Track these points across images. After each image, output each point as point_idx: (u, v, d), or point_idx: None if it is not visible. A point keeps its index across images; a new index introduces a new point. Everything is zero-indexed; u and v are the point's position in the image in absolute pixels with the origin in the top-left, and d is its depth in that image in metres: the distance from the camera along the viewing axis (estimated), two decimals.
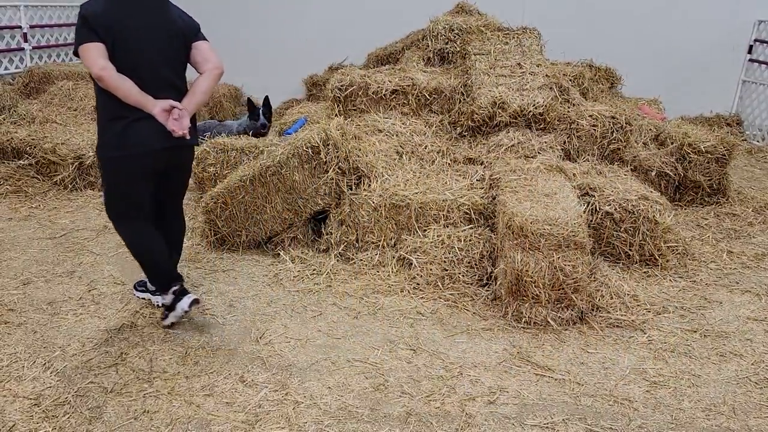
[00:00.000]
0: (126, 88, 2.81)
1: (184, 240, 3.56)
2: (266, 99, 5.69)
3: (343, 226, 4.07)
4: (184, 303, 3.09)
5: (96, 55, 2.75)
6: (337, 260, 3.98)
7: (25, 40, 8.06)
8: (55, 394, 2.66)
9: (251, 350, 3.05)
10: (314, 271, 3.86)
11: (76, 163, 5.08)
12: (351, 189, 4.07)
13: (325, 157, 3.96)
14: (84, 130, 5.60)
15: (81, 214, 4.71)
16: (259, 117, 5.51)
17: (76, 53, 2.84)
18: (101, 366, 2.87)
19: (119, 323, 3.24)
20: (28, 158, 5.17)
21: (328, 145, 3.96)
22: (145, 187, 3.05)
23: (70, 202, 4.92)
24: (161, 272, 3.14)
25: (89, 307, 3.40)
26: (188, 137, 2.94)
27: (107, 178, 3.03)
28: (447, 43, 5.81)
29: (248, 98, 5.91)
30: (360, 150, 4.21)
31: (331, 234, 4.09)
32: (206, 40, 3.07)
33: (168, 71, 2.97)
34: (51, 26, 8.43)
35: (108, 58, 2.79)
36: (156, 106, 2.85)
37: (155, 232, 3.14)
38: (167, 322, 3.16)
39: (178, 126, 2.88)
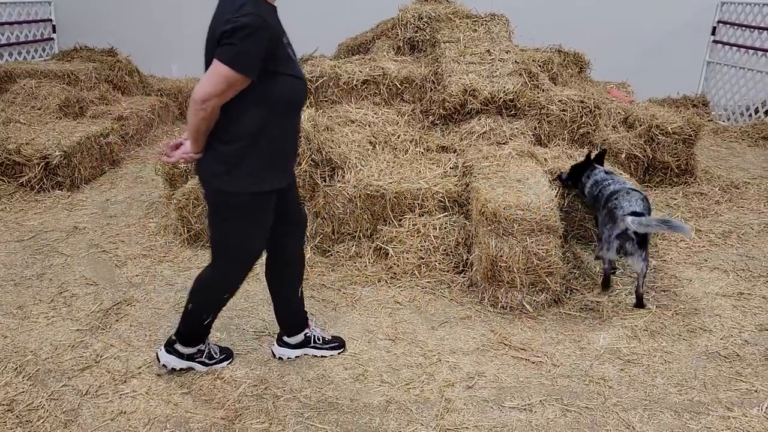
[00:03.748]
0: None
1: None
2: None
3: (319, 219, 4.05)
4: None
5: None
6: (314, 253, 3.97)
7: None
8: (29, 399, 2.61)
9: (229, 347, 3.02)
10: None
11: (42, 164, 4.95)
12: (325, 181, 4.05)
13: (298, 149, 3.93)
14: (49, 129, 5.47)
15: (49, 216, 4.61)
16: None
17: None
18: (75, 369, 2.82)
19: (92, 325, 3.19)
20: None
21: (299, 137, 3.93)
22: None
23: (38, 203, 4.81)
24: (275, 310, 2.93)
25: (61, 309, 3.34)
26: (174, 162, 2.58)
27: None
28: (416, 32, 5.80)
29: None
30: (333, 141, 4.19)
31: (307, 227, 4.07)
32: (220, 56, 2.19)
33: None
34: (11, 23, 8.21)
35: None
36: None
37: (270, 271, 2.88)
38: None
39: (170, 155, 2.48)
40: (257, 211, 2.49)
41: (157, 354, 2.83)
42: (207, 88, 2.21)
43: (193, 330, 2.75)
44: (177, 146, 2.49)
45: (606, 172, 3.82)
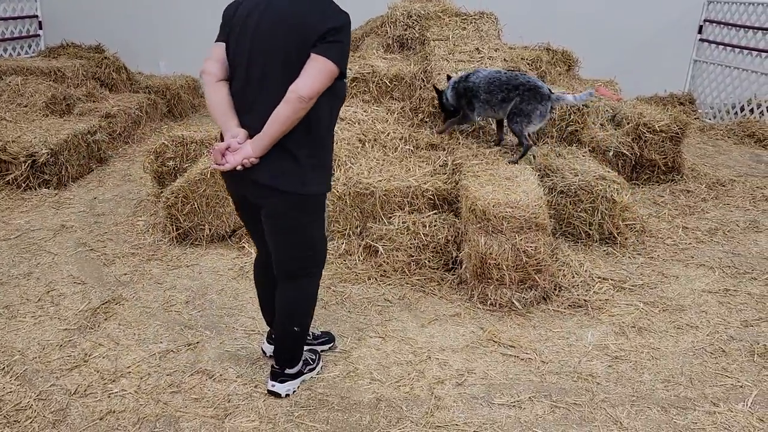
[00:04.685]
0: (210, 102, 2.35)
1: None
2: None
3: None
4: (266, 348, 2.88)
5: (209, 55, 2.35)
6: None
7: None
8: (16, 399, 2.59)
9: (218, 345, 3.02)
10: None
11: (29, 162, 4.91)
12: None
13: None
14: (36, 126, 5.42)
15: (36, 214, 4.57)
16: None
17: None
18: (63, 368, 2.81)
19: (80, 324, 3.17)
20: None
21: None
22: (242, 213, 2.61)
23: (24, 202, 4.77)
24: (263, 310, 2.84)
25: (48, 308, 3.31)
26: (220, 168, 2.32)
27: None
28: (406, 30, 5.81)
29: None
30: None
31: None
32: (326, 53, 2.17)
33: (262, 88, 2.27)
34: None
35: (223, 60, 2.34)
36: (227, 133, 2.30)
37: (257, 275, 2.78)
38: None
39: (215, 155, 2.27)
40: (324, 207, 2.51)
41: (270, 391, 2.67)
42: (317, 85, 2.16)
43: (302, 347, 2.70)
44: (224, 150, 2.29)
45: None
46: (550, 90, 4.08)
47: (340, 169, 4.07)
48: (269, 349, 2.90)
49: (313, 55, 2.16)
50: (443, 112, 4.59)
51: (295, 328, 2.58)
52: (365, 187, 3.96)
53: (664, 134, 5.16)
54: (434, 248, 3.81)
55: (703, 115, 7.84)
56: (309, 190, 2.35)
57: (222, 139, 2.35)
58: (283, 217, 2.39)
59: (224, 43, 2.34)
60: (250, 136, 2.27)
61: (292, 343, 2.64)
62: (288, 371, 2.67)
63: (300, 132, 2.25)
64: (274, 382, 2.67)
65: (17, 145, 4.97)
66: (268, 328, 2.94)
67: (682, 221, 4.59)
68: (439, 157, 4.38)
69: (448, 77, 4.45)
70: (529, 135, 4.11)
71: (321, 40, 2.16)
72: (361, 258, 3.88)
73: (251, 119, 2.28)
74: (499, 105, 4.13)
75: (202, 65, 2.35)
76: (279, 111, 2.18)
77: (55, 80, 6.60)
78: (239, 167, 2.25)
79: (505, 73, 4.18)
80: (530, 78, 4.12)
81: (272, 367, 2.68)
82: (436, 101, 4.75)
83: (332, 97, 2.30)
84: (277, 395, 2.66)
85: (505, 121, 4.22)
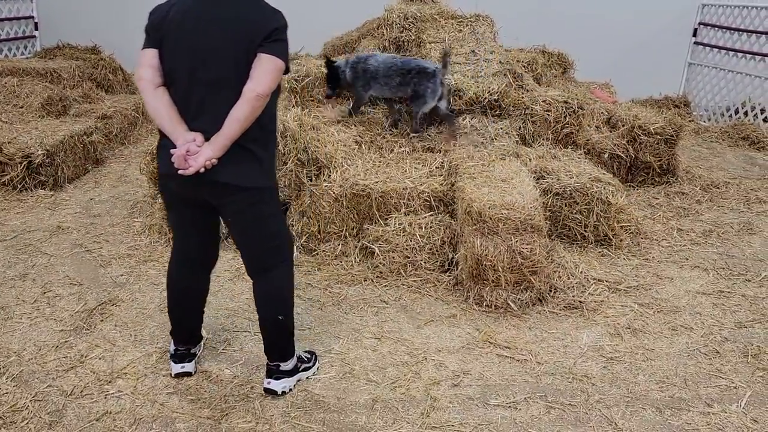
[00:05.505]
0: (152, 108, 2.34)
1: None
2: None
3: (305, 218, 4.06)
4: (174, 368, 2.77)
5: (141, 62, 2.35)
6: (300, 252, 3.98)
7: None
8: (12, 400, 2.59)
9: (215, 346, 3.02)
10: None
11: (25, 163, 4.90)
12: (311, 180, 4.05)
13: (284, 149, 3.94)
14: (32, 128, 5.41)
15: (32, 215, 4.56)
16: None
17: None
18: (59, 369, 2.81)
19: (76, 325, 3.16)
20: None
21: (285, 136, 3.94)
22: (179, 216, 2.60)
23: (20, 203, 4.76)
24: (173, 323, 2.77)
25: (44, 309, 3.31)
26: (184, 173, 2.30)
27: None
28: (402, 32, 5.82)
29: None
30: (319, 141, 4.19)
31: (293, 226, 4.08)
32: (275, 52, 2.29)
33: (211, 89, 2.31)
34: None
35: (157, 66, 2.34)
36: (180, 138, 2.30)
37: (185, 281, 2.71)
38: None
39: (179, 159, 2.27)
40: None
41: (266, 390, 2.68)
42: (271, 82, 2.28)
43: (291, 338, 2.70)
44: (185, 154, 2.29)
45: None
46: (435, 68, 4.54)
47: (337, 171, 4.08)
48: (177, 367, 2.77)
49: (261, 55, 2.27)
50: (329, 84, 4.82)
51: (280, 317, 2.62)
52: (362, 188, 3.96)
53: (659, 136, 5.19)
54: (430, 250, 3.82)
55: (698, 118, 7.88)
56: (268, 183, 2.46)
57: (161, 144, 2.40)
58: (250, 213, 2.46)
59: (156, 50, 2.34)
60: (205, 138, 2.31)
61: (279, 335, 2.66)
62: (282, 367, 2.68)
63: (254, 128, 2.33)
64: (269, 380, 2.68)
65: (13, 146, 4.96)
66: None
67: (676, 223, 4.61)
68: (435, 158, 4.40)
69: (327, 59, 4.77)
70: (420, 115, 4.65)
71: (266, 40, 2.27)
72: (358, 259, 3.89)
73: (203, 122, 2.32)
74: (397, 88, 4.61)
75: (137, 73, 2.35)
76: (238, 111, 2.26)
77: (51, 81, 6.59)
78: (202, 169, 2.27)
79: (400, 58, 4.68)
80: (419, 61, 4.65)
81: (267, 365, 2.69)
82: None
83: (277, 91, 2.41)
84: (273, 393, 2.66)
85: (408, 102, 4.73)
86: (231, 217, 2.49)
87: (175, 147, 2.30)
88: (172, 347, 2.81)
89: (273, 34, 2.28)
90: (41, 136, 5.18)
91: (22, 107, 5.96)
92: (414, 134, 4.68)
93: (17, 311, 3.29)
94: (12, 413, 2.52)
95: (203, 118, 2.32)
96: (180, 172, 2.28)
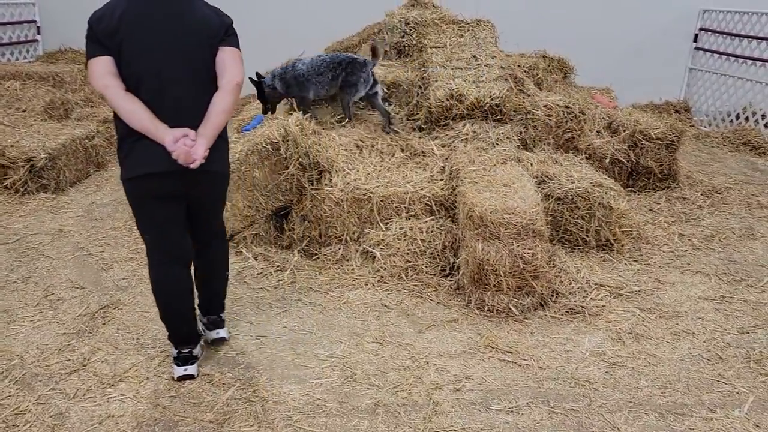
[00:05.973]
0: (128, 111, 2.39)
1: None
2: None
3: (306, 222, 4.06)
4: (176, 371, 2.79)
5: (98, 70, 2.39)
6: (301, 256, 3.98)
7: None
8: (15, 403, 2.59)
9: (217, 349, 3.03)
10: (278, 268, 3.85)
11: (27, 166, 4.91)
12: (312, 184, 4.06)
13: (285, 153, 3.95)
14: (34, 131, 5.42)
15: (34, 219, 4.57)
16: None
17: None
18: (62, 372, 2.81)
19: (79, 328, 3.17)
20: None
21: (287, 141, 3.95)
22: (163, 214, 2.62)
23: (23, 206, 4.77)
24: (170, 328, 2.80)
25: (47, 313, 3.31)
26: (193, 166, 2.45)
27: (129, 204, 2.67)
28: (403, 37, 5.84)
29: None
30: (320, 145, 4.20)
31: (294, 230, 4.09)
32: (234, 44, 2.55)
33: (184, 86, 2.47)
34: None
35: (115, 73, 2.41)
36: (167, 136, 2.39)
37: (179, 282, 2.73)
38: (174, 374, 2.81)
39: (186, 155, 2.39)
40: None
41: (220, 339, 3.04)
42: (242, 71, 2.55)
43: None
44: (188, 146, 2.42)
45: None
46: (365, 59, 4.78)
47: (338, 175, 4.09)
48: (212, 334, 3.05)
49: (225, 48, 2.52)
50: (261, 100, 4.92)
51: (227, 273, 3.06)
52: (363, 192, 3.97)
53: (660, 142, 5.19)
54: (431, 254, 3.83)
55: (699, 123, 7.89)
56: (228, 168, 2.78)
57: (139, 144, 2.47)
58: (221, 192, 2.80)
59: (112, 57, 2.40)
60: None
61: (224, 289, 3.06)
62: (222, 316, 3.07)
63: None
64: (218, 330, 3.03)
65: (16, 149, 4.97)
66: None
67: (678, 228, 4.61)
68: (436, 163, 4.41)
69: (258, 74, 4.79)
70: (351, 103, 4.85)
71: (225, 35, 2.54)
72: (359, 263, 3.89)
73: (183, 118, 2.46)
74: (330, 83, 4.77)
75: (100, 82, 2.39)
76: (223, 102, 2.48)
77: (54, 85, 6.61)
78: (202, 161, 2.43)
79: (327, 55, 4.87)
80: (346, 54, 4.86)
81: (209, 319, 3.02)
82: (432, 108, 4.77)
83: None
84: (224, 340, 3.04)
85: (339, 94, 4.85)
86: (206, 197, 2.74)
87: (156, 145, 2.40)
88: (174, 351, 2.82)
89: (229, 30, 2.56)
90: (43, 139, 5.20)
91: (24, 111, 5.98)
92: (349, 122, 4.87)
93: (20, 314, 3.29)
94: (15, 416, 2.52)
95: (182, 114, 2.46)
96: (192, 166, 2.41)
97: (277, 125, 3.99)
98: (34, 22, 8.82)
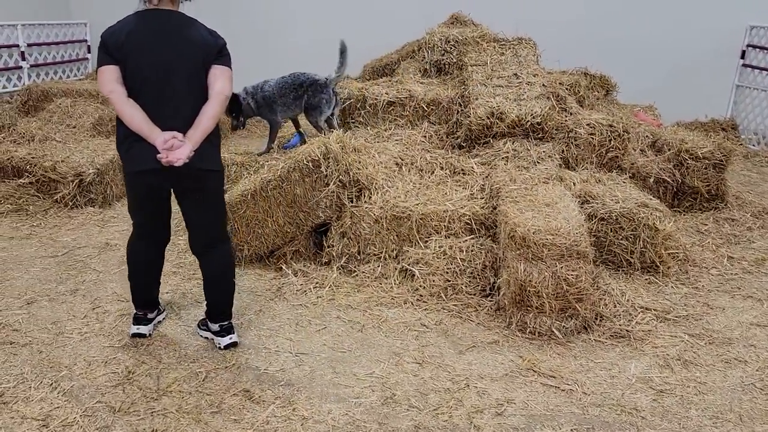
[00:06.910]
0: (129, 114, 2.77)
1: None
2: None
3: (345, 239, 4.08)
4: (131, 329, 3.32)
5: (107, 78, 2.78)
6: (340, 273, 3.99)
7: (23, 59, 8.09)
8: (63, 415, 2.65)
9: (257, 366, 3.05)
10: (317, 285, 3.87)
11: (77, 181, 5.07)
12: (352, 201, 4.08)
13: (326, 171, 3.98)
14: (83, 147, 5.61)
15: (82, 232, 4.71)
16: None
17: None
18: (108, 385, 2.86)
19: (124, 341, 3.23)
20: (28, 176, 5.17)
21: (328, 158, 3.98)
22: (151, 205, 3.06)
23: (71, 220, 4.92)
24: (133, 291, 3.27)
25: (94, 325, 3.39)
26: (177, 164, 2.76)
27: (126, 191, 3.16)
28: (443, 55, 5.85)
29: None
30: (360, 162, 4.23)
31: (333, 247, 4.10)
32: (226, 63, 2.92)
33: (180, 96, 2.83)
34: (48, 44, 8.46)
35: (120, 80, 2.79)
36: (159, 137, 2.75)
37: (150, 256, 3.21)
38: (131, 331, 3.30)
39: (172, 156, 2.73)
40: None
41: (233, 344, 3.20)
42: (231, 87, 2.92)
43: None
44: (171, 148, 2.75)
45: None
46: (326, 79, 4.85)
47: (377, 193, 4.10)
48: (225, 340, 3.21)
49: (218, 66, 2.88)
50: (233, 115, 4.96)
51: (234, 280, 3.22)
52: (402, 210, 3.97)
53: (707, 161, 5.06)
54: (471, 273, 3.79)
55: (747, 142, 7.67)
56: (221, 165, 3.08)
57: (136, 144, 2.83)
58: (213, 192, 3.04)
59: (118, 66, 2.77)
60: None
61: (231, 296, 3.23)
62: (231, 322, 3.25)
63: None
64: (231, 335, 3.20)
65: (66, 164, 5.14)
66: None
67: (727, 250, 4.47)
68: (476, 181, 4.38)
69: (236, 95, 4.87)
70: (321, 123, 4.89)
71: (219, 55, 2.89)
72: (397, 281, 3.88)
73: (176, 124, 2.79)
74: (293, 103, 4.85)
75: (107, 87, 2.78)
76: (212, 109, 2.84)
77: (102, 102, 6.83)
78: (187, 160, 2.75)
79: (290, 75, 4.89)
80: (309, 74, 4.89)
81: (221, 326, 3.19)
82: (472, 126, 4.75)
83: None
84: (237, 344, 3.19)
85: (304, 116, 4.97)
86: (202, 197, 3.01)
87: (150, 146, 2.75)
88: (133, 311, 3.30)
89: (222, 50, 2.91)
90: (92, 155, 5.37)
91: (74, 127, 6.19)
92: (260, 154, 4.94)
93: (68, 326, 3.38)
94: (63, 428, 2.58)
95: (176, 120, 2.81)
96: (176, 164, 2.73)
97: (318, 143, 4.03)
98: (86, 41, 9.16)
